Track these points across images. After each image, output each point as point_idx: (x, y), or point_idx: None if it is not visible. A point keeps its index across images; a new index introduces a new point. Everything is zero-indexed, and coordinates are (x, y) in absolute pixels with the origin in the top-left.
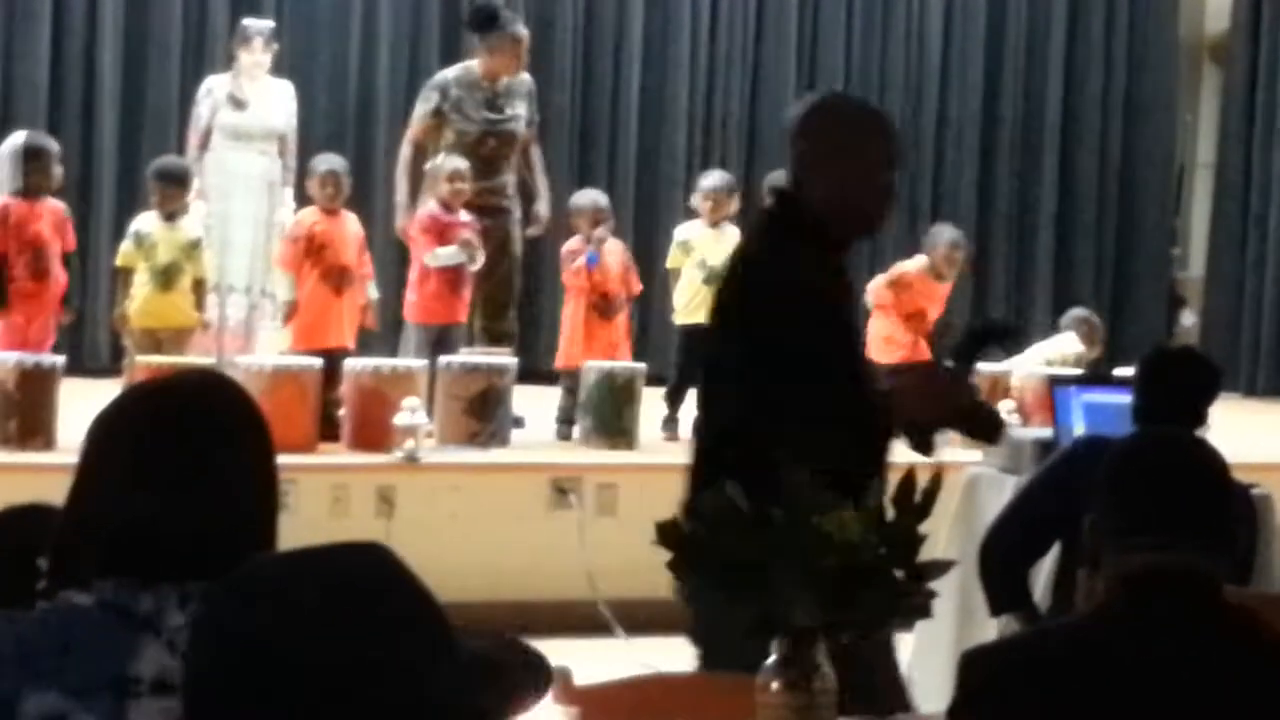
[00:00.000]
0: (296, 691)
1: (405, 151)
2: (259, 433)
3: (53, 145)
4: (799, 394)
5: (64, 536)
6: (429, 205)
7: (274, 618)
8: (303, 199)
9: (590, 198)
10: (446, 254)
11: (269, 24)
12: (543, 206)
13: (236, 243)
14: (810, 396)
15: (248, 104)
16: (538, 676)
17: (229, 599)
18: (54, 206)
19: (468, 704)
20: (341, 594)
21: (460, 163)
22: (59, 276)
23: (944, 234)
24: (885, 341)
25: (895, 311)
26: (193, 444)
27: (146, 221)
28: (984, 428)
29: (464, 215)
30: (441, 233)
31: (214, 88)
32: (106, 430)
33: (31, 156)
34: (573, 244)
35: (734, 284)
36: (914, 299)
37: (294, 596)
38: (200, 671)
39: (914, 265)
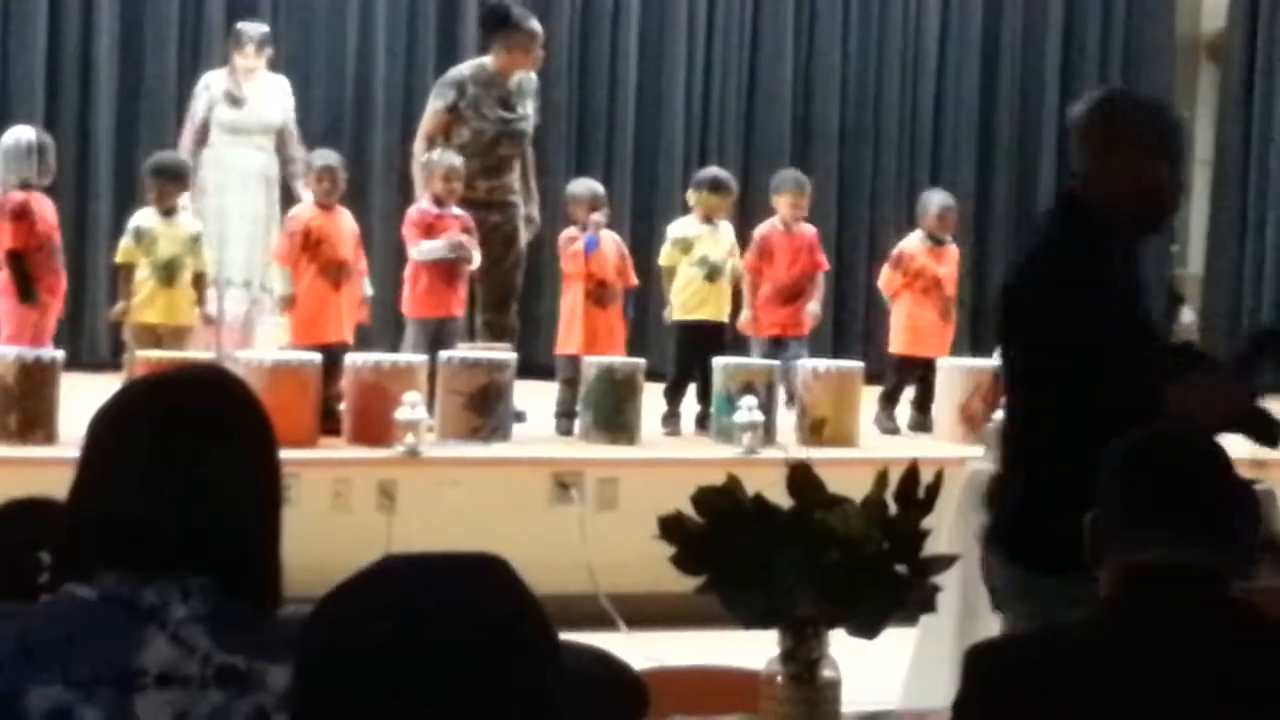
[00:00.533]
0: (408, 701)
1: (419, 148)
2: (260, 426)
3: (50, 140)
4: (1111, 390)
5: (67, 530)
6: (421, 200)
7: (392, 631)
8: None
9: (587, 185)
10: (430, 248)
11: (263, 28)
12: (534, 210)
13: (235, 238)
14: (1121, 391)
15: (244, 100)
16: (635, 703)
17: (350, 605)
18: (49, 203)
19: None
20: (461, 610)
21: (456, 159)
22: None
23: (933, 199)
24: (909, 330)
25: (910, 292)
26: (194, 438)
27: (146, 217)
28: (1264, 431)
29: (456, 210)
30: (430, 227)
31: (211, 84)
32: (108, 425)
33: (40, 151)
34: (570, 232)
35: (1030, 284)
36: (921, 270)
37: (414, 609)
38: (312, 675)
39: (910, 239)
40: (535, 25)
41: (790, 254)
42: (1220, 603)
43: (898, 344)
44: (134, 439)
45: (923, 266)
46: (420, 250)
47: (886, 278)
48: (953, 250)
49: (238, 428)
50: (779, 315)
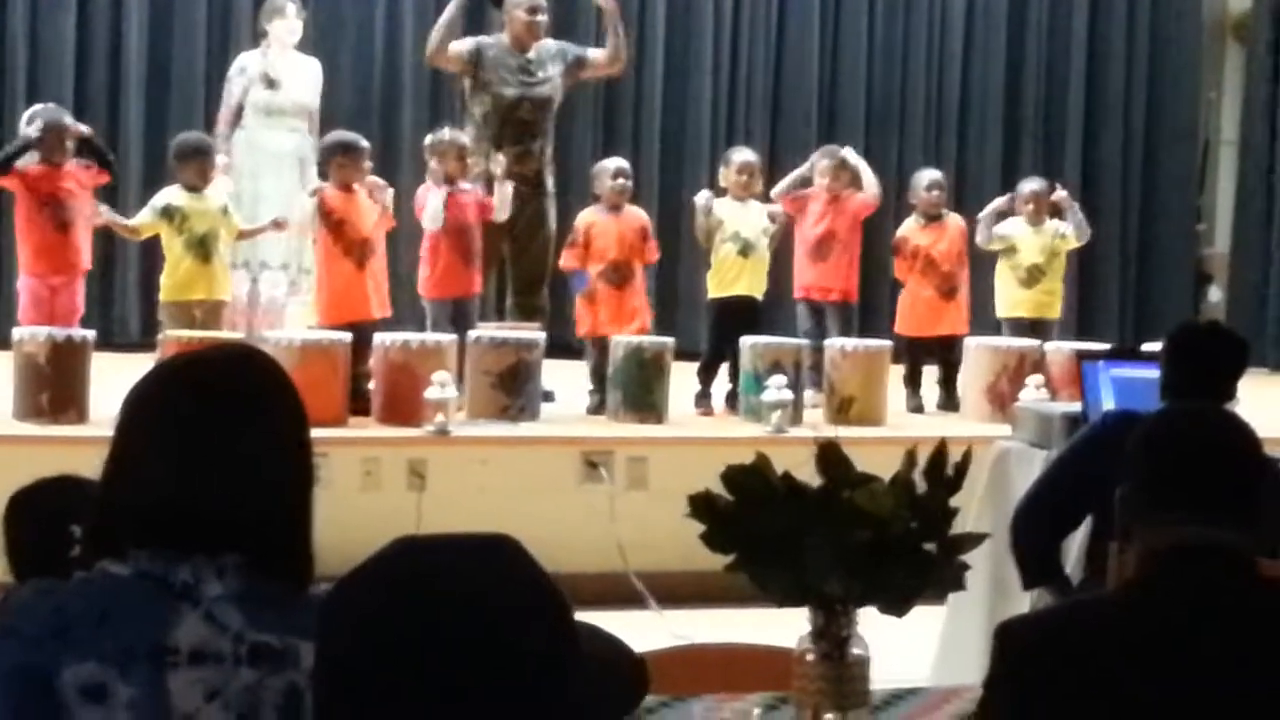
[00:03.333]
0: (426, 685)
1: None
2: (292, 404)
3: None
4: None
5: (100, 509)
6: (430, 181)
7: (403, 619)
8: None
9: (615, 161)
10: (428, 217)
11: None
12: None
13: (270, 219)
14: None
15: (280, 82)
16: (637, 686)
17: (365, 589)
18: (77, 166)
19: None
20: (472, 596)
21: (464, 138)
22: (85, 239)
23: (921, 178)
24: (909, 310)
25: (913, 273)
26: (225, 418)
27: (173, 195)
28: None
29: (465, 186)
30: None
31: (247, 65)
32: (142, 404)
33: (54, 130)
34: (586, 214)
35: None
36: (915, 251)
37: (424, 596)
38: (330, 658)
39: (906, 222)
40: None
41: (822, 209)
42: (1247, 581)
43: (900, 325)
44: (166, 419)
45: (916, 246)
46: (428, 220)
47: (897, 267)
48: (951, 226)
49: (269, 406)
50: (811, 273)
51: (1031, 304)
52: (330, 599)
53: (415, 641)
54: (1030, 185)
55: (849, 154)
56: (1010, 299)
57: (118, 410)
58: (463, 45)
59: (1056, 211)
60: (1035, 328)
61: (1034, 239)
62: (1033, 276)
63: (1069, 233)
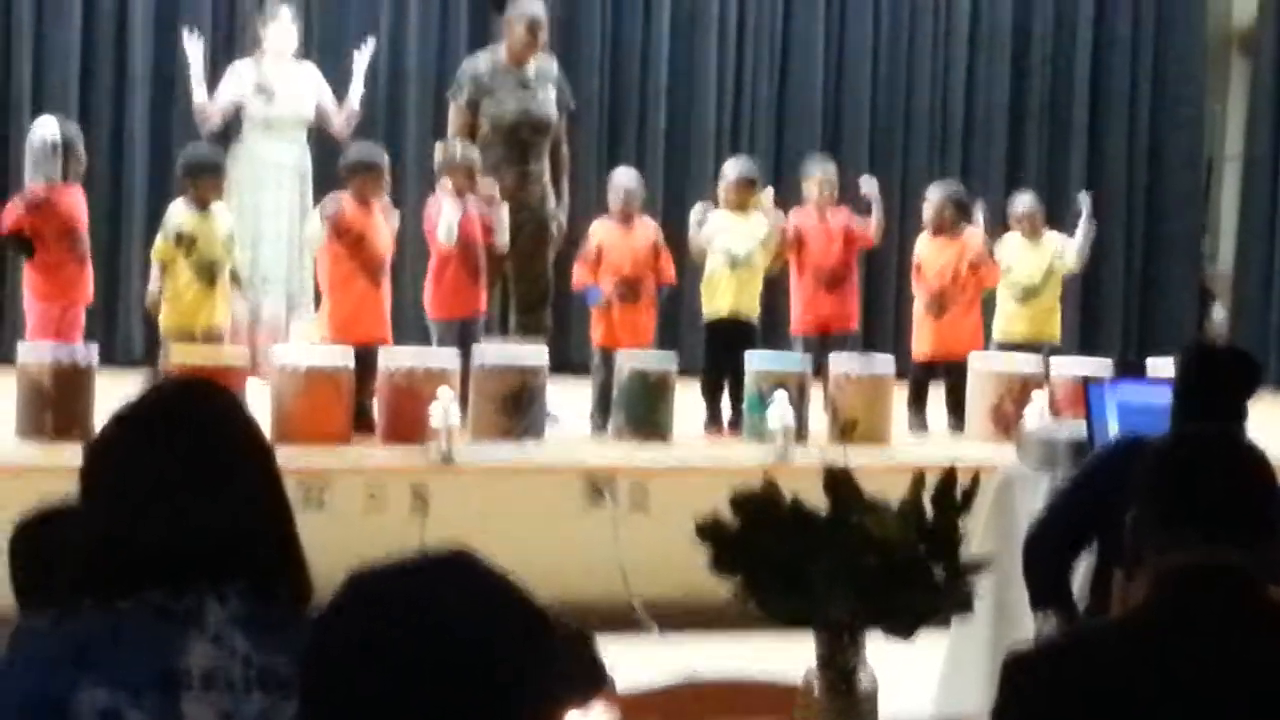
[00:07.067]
0: (403, 702)
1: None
2: (249, 421)
3: (79, 132)
4: None
5: (88, 555)
6: (439, 194)
7: (376, 643)
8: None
9: (628, 175)
10: (443, 231)
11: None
12: (562, 216)
13: (269, 234)
14: None
15: (275, 93)
16: (591, 684)
17: (336, 616)
18: (80, 195)
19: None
20: (437, 608)
21: (473, 153)
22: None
23: (934, 192)
24: (913, 328)
25: (918, 289)
26: (198, 451)
27: (184, 216)
28: None
29: (472, 200)
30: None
31: (242, 72)
32: (111, 452)
33: (67, 147)
34: (596, 227)
35: None
36: (917, 266)
37: (394, 617)
38: (313, 685)
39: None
40: (531, 6)
41: (824, 239)
42: (1257, 603)
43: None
44: (139, 464)
45: (918, 262)
46: (443, 233)
47: (914, 282)
48: (961, 241)
49: (234, 430)
50: (823, 306)
51: (1026, 322)
52: (305, 649)
53: (390, 671)
54: (1023, 202)
55: (870, 186)
56: (1005, 317)
57: (83, 457)
58: (461, 96)
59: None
60: (1028, 350)
61: (1031, 256)
62: (1028, 294)
63: (1069, 256)
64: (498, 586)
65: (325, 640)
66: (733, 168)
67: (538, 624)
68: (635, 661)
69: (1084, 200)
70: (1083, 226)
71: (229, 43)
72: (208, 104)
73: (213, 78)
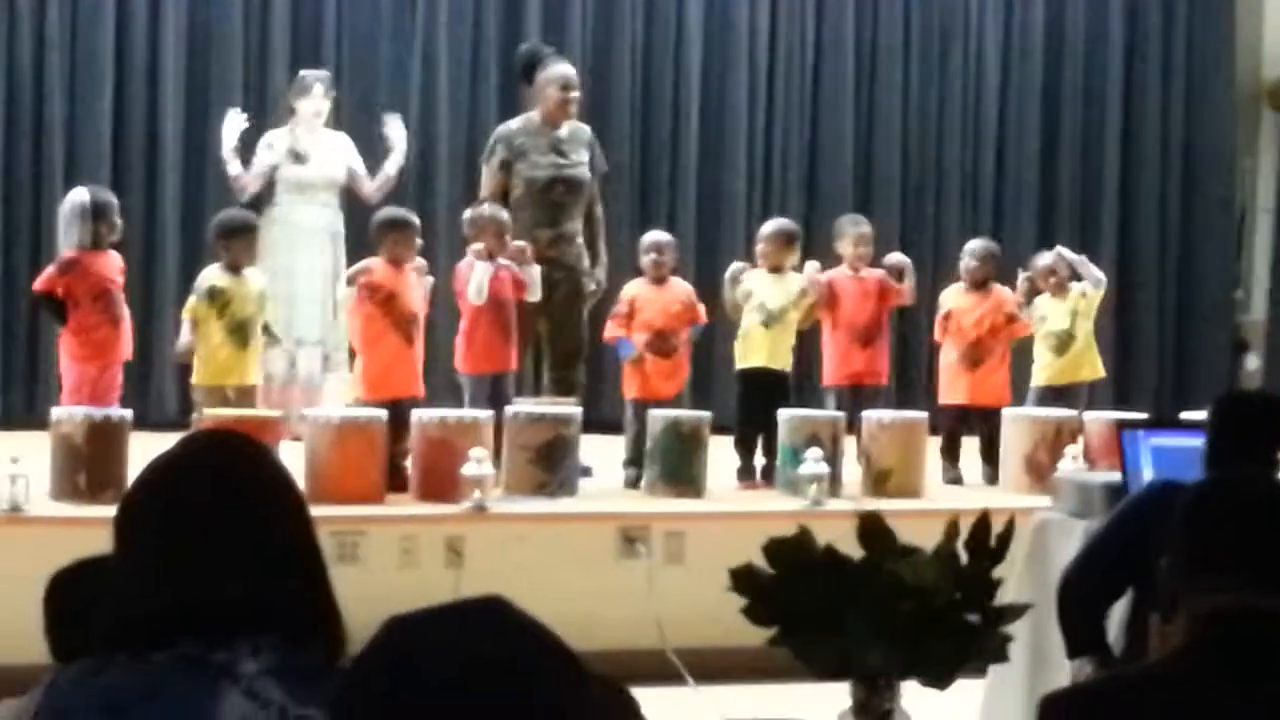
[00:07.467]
0: None
1: None
2: (279, 472)
3: (113, 199)
4: None
5: (120, 607)
6: (469, 255)
7: (412, 693)
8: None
9: (660, 236)
10: (474, 290)
11: (326, 73)
12: (601, 274)
13: (304, 295)
14: None
15: (308, 157)
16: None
17: (371, 659)
18: (116, 258)
19: None
20: (475, 660)
21: (503, 213)
22: (128, 325)
23: (970, 247)
24: (941, 378)
25: (952, 341)
26: (229, 506)
27: (217, 277)
28: None
29: (503, 262)
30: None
31: (274, 142)
32: (139, 511)
33: (98, 212)
34: (630, 287)
35: None
36: (949, 315)
37: (430, 667)
38: None
39: (952, 290)
40: (562, 67)
41: (859, 296)
42: None
43: (942, 394)
44: (170, 523)
45: (949, 311)
46: (474, 293)
47: (939, 328)
48: (994, 296)
49: (273, 486)
50: (856, 361)
51: (1066, 369)
52: (336, 697)
53: (425, 715)
54: (1044, 260)
55: (898, 259)
56: (1044, 367)
57: (117, 510)
58: (495, 157)
59: (1074, 274)
60: (1066, 393)
61: (1060, 307)
62: (1063, 343)
63: (1087, 289)
64: (533, 632)
65: (359, 684)
66: (771, 224)
67: (574, 671)
68: (671, 712)
69: (1059, 250)
70: (1074, 258)
71: (260, 113)
72: (243, 174)
73: (243, 150)
